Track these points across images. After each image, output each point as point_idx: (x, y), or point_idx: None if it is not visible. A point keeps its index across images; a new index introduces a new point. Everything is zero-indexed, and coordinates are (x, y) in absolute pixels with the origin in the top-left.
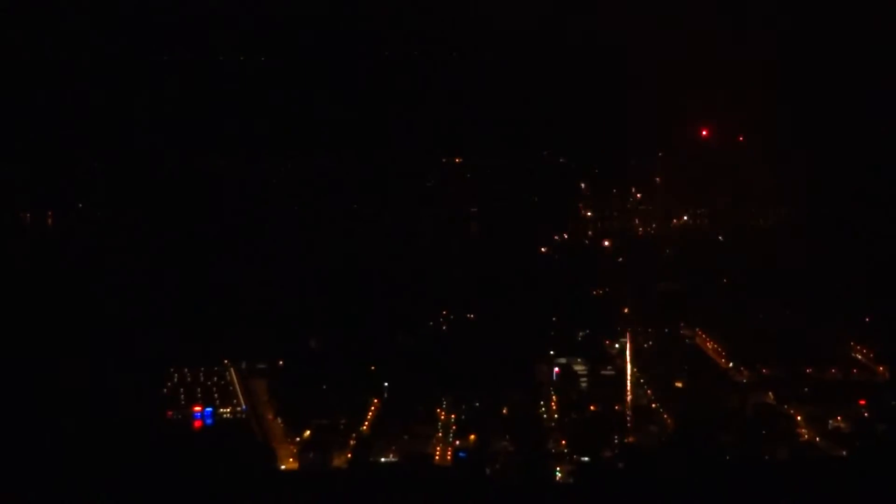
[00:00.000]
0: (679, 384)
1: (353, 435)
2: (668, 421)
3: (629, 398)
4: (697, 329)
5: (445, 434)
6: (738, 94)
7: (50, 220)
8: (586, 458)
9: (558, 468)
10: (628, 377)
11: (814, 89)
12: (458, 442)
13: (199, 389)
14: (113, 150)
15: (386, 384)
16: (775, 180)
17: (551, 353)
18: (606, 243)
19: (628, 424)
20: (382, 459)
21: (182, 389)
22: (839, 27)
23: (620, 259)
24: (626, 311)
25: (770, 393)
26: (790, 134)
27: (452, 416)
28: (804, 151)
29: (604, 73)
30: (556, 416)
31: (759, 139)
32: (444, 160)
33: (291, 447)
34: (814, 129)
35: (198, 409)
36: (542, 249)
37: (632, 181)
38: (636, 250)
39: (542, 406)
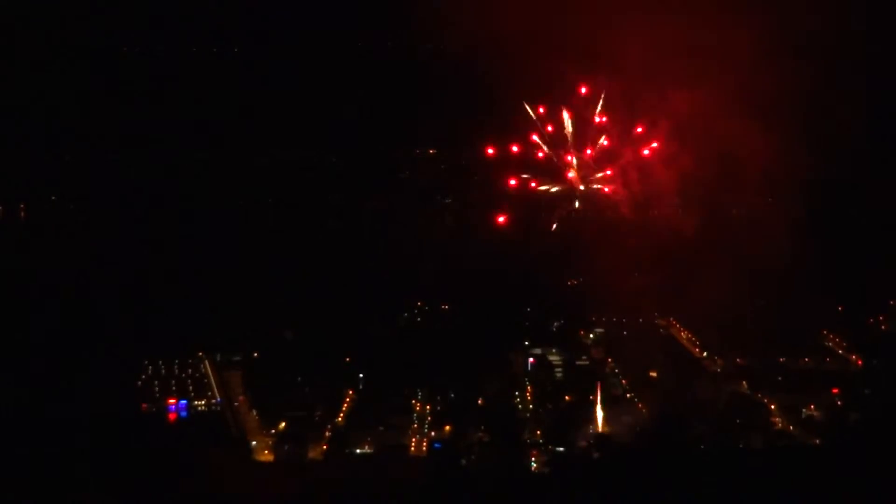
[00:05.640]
0: (653, 374)
1: (329, 426)
2: (643, 411)
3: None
4: (671, 319)
5: (421, 425)
6: (715, 83)
7: (21, 213)
8: (561, 448)
9: (533, 458)
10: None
11: (783, 81)
12: (433, 433)
13: (173, 382)
14: (85, 142)
15: (361, 375)
16: (747, 170)
17: (526, 343)
18: (582, 233)
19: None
20: (358, 451)
21: (157, 382)
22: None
23: (595, 249)
24: (600, 301)
25: (744, 382)
26: (761, 124)
27: (427, 407)
28: (776, 141)
29: (574, 60)
30: (531, 406)
31: (731, 129)
32: (417, 151)
33: (267, 439)
34: (785, 118)
35: (172, 401)
36: (517, 240)
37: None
38: (610, 240)
39: (517, 396)
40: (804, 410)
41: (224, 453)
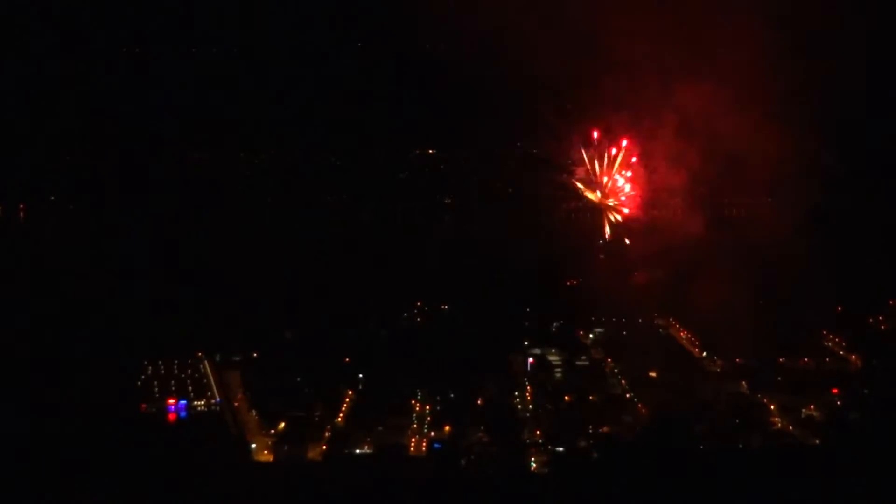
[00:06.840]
0: (653, 374)
1: (328, 427)
2: (643, 411)
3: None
4: (671, 319)
5: (420, 425)
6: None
7: (21, 213)
8: (561, 449)
9: (533, 458)
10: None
11: (782, 82)
12: (433, 433)
13: (173, 382)
14: (84, 142)
15: (361, 376)
16: (747, 171)
17: (526, 343)
18: (580, 233)
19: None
20: (357, 451)
21: (156, 382)
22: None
23: (594, 249)
24: (599, 301)
25: (743, 382)
26: (761, 124)
27: (427, 407)
28: (776, 141)
29: (576, 63)
30: (530, 406)
31: (732, 130)
32: (416, 151)
33: (266, 439)
34: (786, 118)
35: (172, 401)
36: (516, 240)
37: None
38: (609, 240)
39: (517, 397)
40: (803, 410)
41: (224, 454)
